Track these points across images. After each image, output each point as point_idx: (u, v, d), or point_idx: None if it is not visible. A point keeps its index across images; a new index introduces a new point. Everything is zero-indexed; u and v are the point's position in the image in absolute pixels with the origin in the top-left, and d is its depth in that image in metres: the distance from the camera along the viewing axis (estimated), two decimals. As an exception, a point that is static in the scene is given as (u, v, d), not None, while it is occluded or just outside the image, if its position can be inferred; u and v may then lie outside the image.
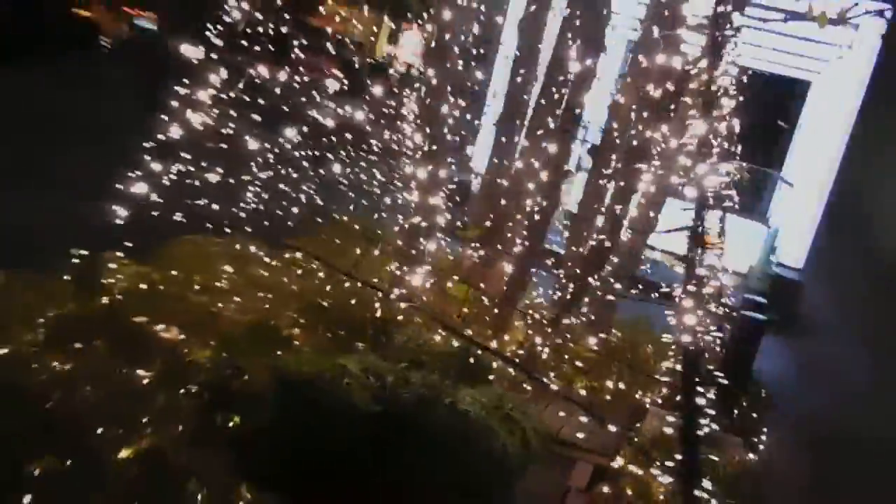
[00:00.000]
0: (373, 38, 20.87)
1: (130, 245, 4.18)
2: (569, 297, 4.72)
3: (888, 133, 9.96)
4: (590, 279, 4.79)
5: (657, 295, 5.16)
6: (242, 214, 4.77)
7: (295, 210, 4.98)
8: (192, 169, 4.43)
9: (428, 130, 4.32)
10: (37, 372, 3.25)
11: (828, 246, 12.75)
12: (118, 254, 4.16)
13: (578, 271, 4.82)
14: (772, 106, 16.21)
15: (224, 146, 4.63)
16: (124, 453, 2.89)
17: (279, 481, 3.03)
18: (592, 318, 4.89)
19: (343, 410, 3.10)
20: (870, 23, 10.02)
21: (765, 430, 4.86)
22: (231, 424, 3.25)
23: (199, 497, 2.84)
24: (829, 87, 10.71)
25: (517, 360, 4.03)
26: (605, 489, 3.57)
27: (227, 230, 4.64)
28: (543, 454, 3.36)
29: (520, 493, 3.27)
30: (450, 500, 3.08)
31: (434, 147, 4.37)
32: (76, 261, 3.99)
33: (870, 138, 10.64)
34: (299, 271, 4.55)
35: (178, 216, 4.48)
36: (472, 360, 3.61)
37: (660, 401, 4.66)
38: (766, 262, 10.28)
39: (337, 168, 5.08)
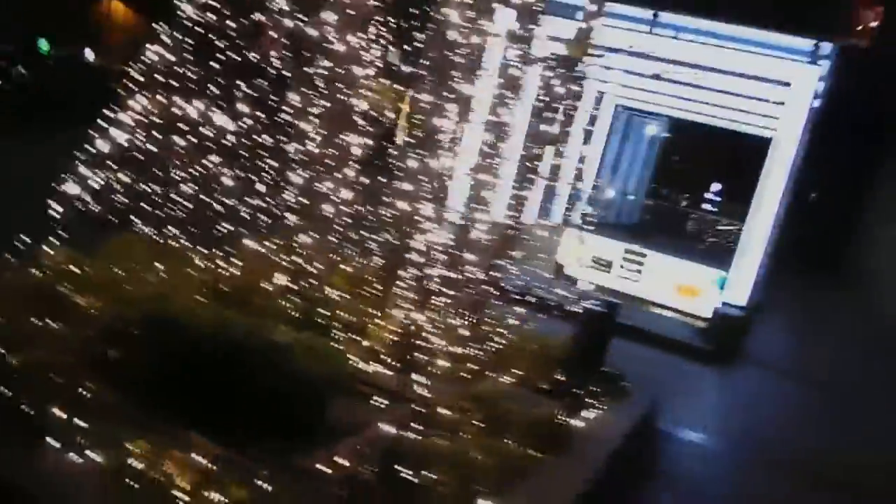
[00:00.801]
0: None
1: (68, 237, 5.19)
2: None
3: (823, 185, 10.73)
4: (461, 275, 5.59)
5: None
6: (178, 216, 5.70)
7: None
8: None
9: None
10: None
11: (768, 288, 13.53)
12: (56, 242, 5.16)
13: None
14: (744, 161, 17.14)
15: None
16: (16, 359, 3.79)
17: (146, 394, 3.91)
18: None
19: (193, 341, 4.02)
20: (802, 80, 10.86)
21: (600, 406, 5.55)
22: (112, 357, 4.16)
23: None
24: (775, 143, 11.48)
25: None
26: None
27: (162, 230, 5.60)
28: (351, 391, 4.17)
29: (331, 420, 4.06)
30: (266, 415, 3.88)
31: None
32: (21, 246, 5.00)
33: (804, 190, 11.41)
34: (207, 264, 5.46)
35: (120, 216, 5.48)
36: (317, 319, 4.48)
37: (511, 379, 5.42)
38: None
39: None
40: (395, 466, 3.49)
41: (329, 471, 3.52)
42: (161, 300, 4.73)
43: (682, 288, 13.19)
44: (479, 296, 5.67)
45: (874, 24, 29.57)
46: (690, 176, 24.42)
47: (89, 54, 21.08)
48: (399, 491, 3.47)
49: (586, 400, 5.54)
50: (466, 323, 5.38)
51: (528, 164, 6.08)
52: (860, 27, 29.39)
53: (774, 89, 11.42)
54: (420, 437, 3.94)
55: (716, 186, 26.02)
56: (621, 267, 14.20)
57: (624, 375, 6.24)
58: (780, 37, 11.10)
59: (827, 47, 10.99)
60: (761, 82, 11.53)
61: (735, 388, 9.53)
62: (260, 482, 3.34)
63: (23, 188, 5.60)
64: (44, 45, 21.19)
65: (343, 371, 4.22)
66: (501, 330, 5.71)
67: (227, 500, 3.20)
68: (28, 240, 5.02)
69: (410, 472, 3.53)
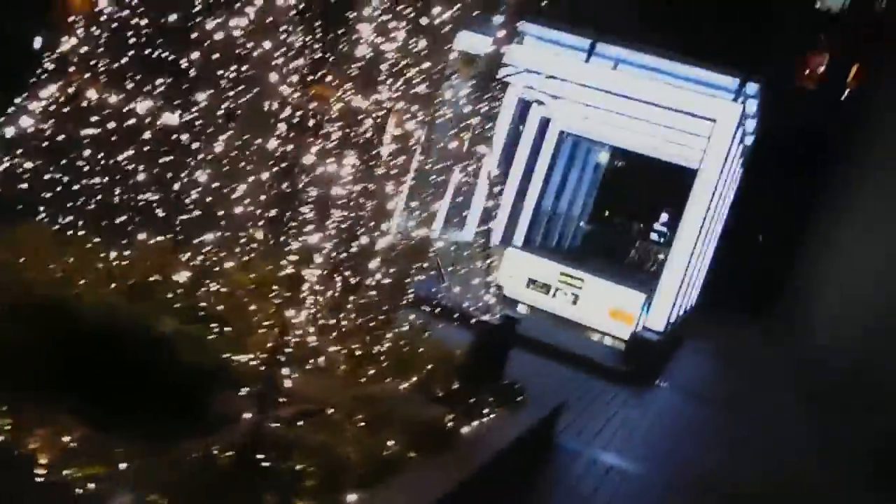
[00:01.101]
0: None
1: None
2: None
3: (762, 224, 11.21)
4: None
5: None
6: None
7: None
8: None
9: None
10: None
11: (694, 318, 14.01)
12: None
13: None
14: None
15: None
16: None
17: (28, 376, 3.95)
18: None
19: (77, 326, 4.09)
20: (726, 116, 11.34)
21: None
22: None
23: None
24: (699, 176, 11.92)
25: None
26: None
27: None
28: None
29: (208, 411, 4.16)
30: (142, 402, 3.96)
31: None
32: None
33: (743, 228, 11.90)
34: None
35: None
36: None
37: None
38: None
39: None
40: (256, 453, 3.60)
41: (192, 455, 3.62)
42: (54, 286, 4.78)
43: (615, 312, 13.55)
44: (381, 301, 5.82)
45: (821, 68, 30.56)
46: (639, 204, 25.05)
47: (37, 43, 20.89)
48: (258, 478, 3.59)
49: (478, 408, 5.71)
50: (363, 325, 5.52)
51: (437, 179, 6.28)
52: (807, 71, 30.34)
53: (704, 124, 11.89)
54: (290, 429, 4.06)
55: (664, 216, 26.69)
56: (558, 290, 14.51)
57: (523, 387, 6.43)
58: (708, 73, 11.60)
59: (753, 86, 11.48)
60: (691, 117, 12.00)
61: (640, 406, 9.86)
62: (118, 461, 3.42)
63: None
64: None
65: (223, 364, 4.33)
66: (400, 335, 5.86)
67: (80, 475, 3.28)
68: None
69: (271, 461, 3.65)
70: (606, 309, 13.54)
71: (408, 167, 6.33)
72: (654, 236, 25.66)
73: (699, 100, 11.55)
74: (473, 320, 6.19)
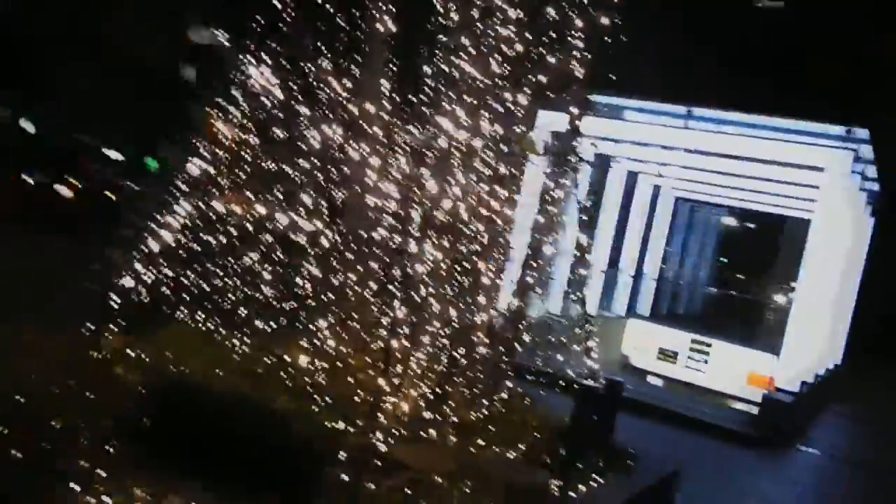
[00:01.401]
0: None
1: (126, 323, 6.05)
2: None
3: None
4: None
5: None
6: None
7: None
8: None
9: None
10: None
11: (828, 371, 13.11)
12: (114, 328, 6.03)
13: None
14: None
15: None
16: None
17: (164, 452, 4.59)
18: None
19: (206, 408, 4.71)
20: (834, 163, 11.02)
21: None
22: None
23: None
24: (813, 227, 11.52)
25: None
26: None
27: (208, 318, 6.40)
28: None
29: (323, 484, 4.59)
30: (262, 475, 4.45)
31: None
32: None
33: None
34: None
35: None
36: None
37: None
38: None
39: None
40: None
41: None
42: (194, 374, 5.47)
43: (747, 376, 13.07)
44: (485, 372, 6.14)
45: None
46: (761, 261, 24.12)
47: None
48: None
49: (584, 473, 5.82)
50: (468, 395, 5.85)
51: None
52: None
53: (816, 174, 11.61)
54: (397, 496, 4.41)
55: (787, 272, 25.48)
56: (688, 357, 14.21)
57: (633, 453, 6.46)
58: (812, 124, 11.41)
59: (862, 132, 11.16)
60: (801, 168, 11.77)
61: (773, 474, 9.39)
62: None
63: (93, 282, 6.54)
64: (152, 162, 23.63)
65: (333, 435, 4.77)
66: (504, 403, 6.13)
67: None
68: (92, 326, 5.93)
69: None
70: (738, 373, 13.10)
71: (506, 244, 6.73)
72: (780, 293, 24.49)
73: (806, 150, 11.35)
74: (577, 386, 6.34)
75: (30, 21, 25.41)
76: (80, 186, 18.88)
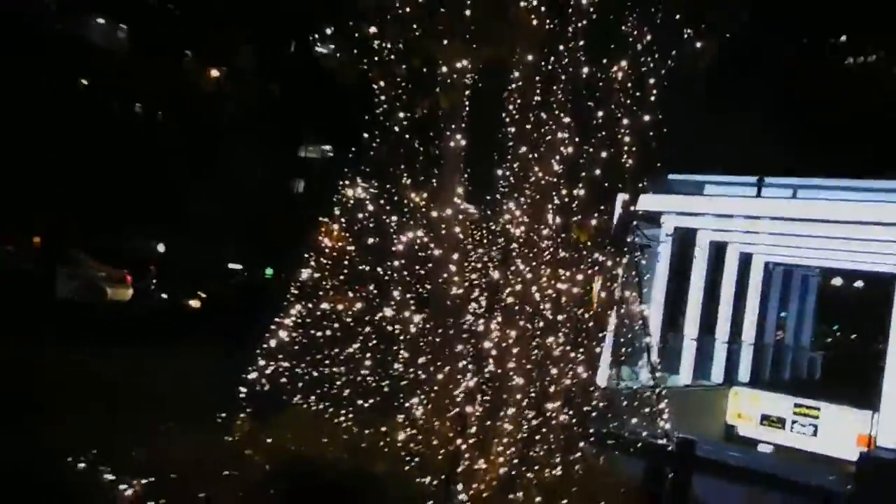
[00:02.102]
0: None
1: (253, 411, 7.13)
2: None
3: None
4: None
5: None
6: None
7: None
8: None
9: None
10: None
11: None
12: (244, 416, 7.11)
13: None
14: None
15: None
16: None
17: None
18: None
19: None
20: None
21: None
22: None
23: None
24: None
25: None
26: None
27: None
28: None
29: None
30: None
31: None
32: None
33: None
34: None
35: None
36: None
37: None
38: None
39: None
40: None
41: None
42: (310, 452, 6.44)
43: (860, 438, 12.85)
44: (563, 436, 6.79)
45: None
46: (863, 320, 23.36)
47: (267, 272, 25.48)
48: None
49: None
50: (546, 458, 6.51)
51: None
52: None
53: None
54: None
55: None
56: (794, 423, 14.11)
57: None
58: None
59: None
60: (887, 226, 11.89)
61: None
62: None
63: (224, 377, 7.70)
64: (269, 271, 25.78)
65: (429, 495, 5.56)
66: (580, 464, 6.72)
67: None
68: (224, 415, 7.05)
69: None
70: (847, 435, 12.92)
71: (593, 320, 7.43)
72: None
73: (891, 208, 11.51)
74: (650, 446, 6.83)
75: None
76: (205, 297, 20.99)
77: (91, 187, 25.79)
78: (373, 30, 7.10)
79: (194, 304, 21.14)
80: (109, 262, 21.98)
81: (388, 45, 7.07)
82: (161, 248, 32.71)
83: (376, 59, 7.06)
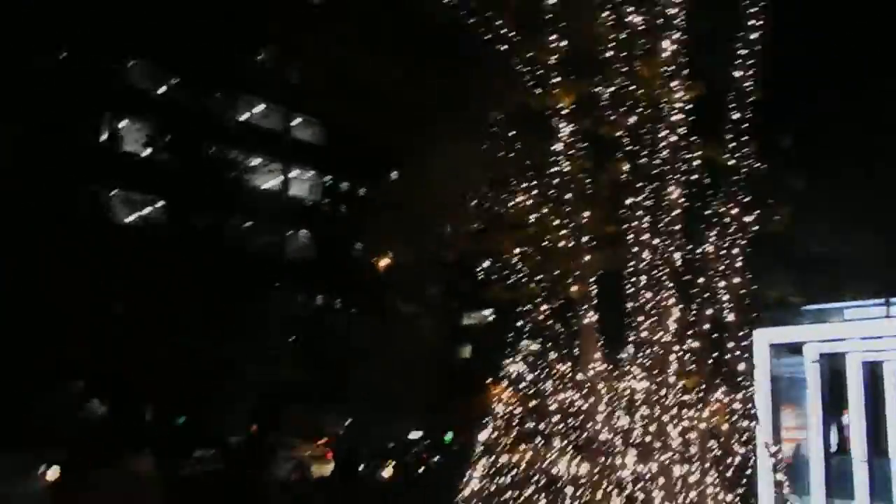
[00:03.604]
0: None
1: None
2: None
3: None
4: None
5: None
6: None
7: None
8: None
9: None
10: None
11: None
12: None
13: None
14: None
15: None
16: None
17: None
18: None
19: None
20: None
21: None
22: None
23: None
24: None
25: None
26: None
27: None
28: None
29: None
30: None
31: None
32: None
33: None
34: None
35: None
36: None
37: None
38: None
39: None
40: None
41: None
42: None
43: None
44: None
45: None
46: None
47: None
48: None
49: None
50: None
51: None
52: None
53: None
54: None
55: None
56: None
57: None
58: None
59: None
60: None
61: None
62: None
63: None
64: (448, 437, 28.09)
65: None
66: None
67: None
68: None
69: None
70: None
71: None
72: None
73: None
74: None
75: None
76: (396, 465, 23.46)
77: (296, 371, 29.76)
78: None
79: (386, 474, 23.57)
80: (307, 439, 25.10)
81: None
82: (347, 422, 35.97)
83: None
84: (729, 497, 8.88)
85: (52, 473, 12.61)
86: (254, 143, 37.17)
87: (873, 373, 17.91)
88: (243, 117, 39.96)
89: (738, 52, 9.24)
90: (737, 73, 9.22)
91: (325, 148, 41.15)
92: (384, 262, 41.46)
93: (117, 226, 29.63)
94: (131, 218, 33.39)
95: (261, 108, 41.77)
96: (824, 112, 18.51)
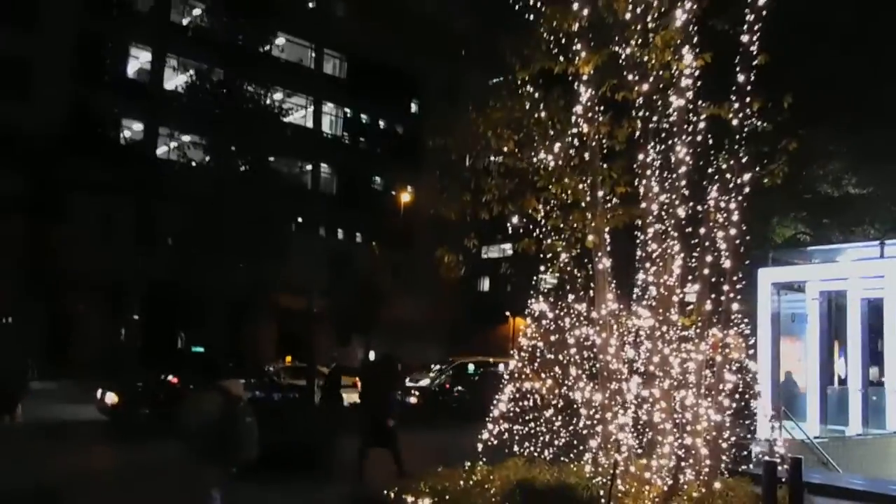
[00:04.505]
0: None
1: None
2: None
3: None
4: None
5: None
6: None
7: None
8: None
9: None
10: None
11: None
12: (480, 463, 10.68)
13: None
14: None
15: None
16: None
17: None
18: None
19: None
20: None
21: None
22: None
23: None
24: None
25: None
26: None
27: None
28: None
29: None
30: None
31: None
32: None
33: None
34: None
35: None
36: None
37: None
38: None
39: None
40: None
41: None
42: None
43: None
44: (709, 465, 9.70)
45: None
46: None
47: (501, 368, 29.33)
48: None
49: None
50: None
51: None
52: None
53: None
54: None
55: None
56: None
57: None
58: None
59: None
60: None
61: None
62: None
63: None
64: (471, 367, 29.61)
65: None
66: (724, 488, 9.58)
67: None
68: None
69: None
70: None
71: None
72: None
73: None
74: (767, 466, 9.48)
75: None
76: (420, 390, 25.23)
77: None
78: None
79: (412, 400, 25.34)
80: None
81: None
82: (372, 355, 37.89)
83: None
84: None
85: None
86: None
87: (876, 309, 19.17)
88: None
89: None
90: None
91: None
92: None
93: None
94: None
95: None
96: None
